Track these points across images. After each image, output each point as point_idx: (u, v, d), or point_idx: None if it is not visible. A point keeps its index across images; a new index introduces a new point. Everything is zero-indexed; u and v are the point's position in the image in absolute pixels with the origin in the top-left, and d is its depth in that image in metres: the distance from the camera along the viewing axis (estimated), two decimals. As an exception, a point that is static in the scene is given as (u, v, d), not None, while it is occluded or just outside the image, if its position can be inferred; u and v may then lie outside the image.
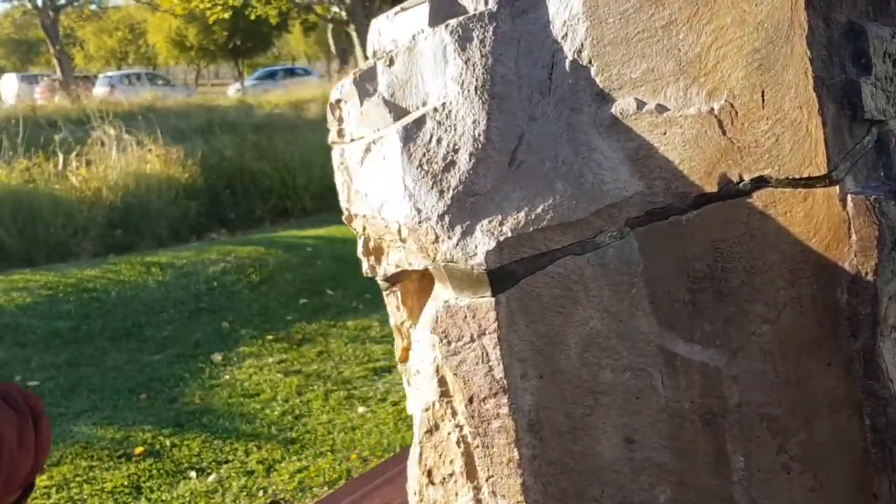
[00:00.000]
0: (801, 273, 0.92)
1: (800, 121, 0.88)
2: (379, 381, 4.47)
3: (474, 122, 1.04)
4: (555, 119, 1.03)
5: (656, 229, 1.00)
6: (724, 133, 0.93)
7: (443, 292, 1.09)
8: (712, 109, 0.93)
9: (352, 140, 1.22)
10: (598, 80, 1.01)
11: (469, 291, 1.03)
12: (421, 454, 1.17)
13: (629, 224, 1.00)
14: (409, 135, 1.08)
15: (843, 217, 0.88)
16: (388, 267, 1.25)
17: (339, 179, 1.24)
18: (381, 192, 1.12)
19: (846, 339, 0.90)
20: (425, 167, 1.06)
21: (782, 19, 0.88)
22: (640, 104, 0.98)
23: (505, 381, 1.03)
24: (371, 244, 1.25)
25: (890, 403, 0.89)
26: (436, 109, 1.08)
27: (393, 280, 1.26)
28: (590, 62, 1.01)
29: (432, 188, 1.05)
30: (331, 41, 24.80)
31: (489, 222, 1.00)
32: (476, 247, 1.00)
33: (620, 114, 1.00)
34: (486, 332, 1.02)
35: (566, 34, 1.03)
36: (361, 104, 1.19)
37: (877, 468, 0.92)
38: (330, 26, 21.86)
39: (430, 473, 1.16)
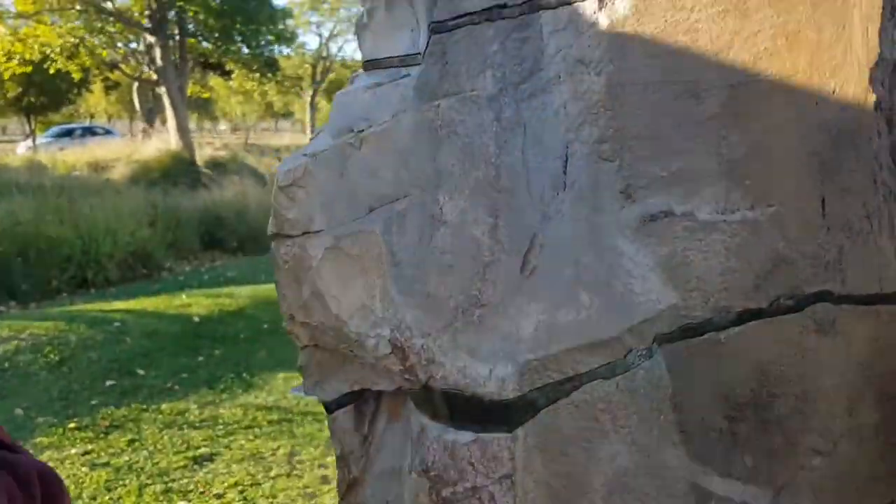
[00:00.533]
0: (863, 401, 0.83)
1: (867, 232, 0.80)
2: (200, 470, 4.01)
3: (476, 220, 0.87)
4: (573, 219, 0.88)
5: (690, 347, 0.87)
6: (775, 243, 0.83)
7: (431, 424, 0.89)
8: (762, 216, 0.83)
9: (306, 233, 1.00)
10: (622, 176, 0.88)
11: (475, 425, 0.84)
12: None
13: (657, 340, 0.86)
14: (393, 229, 0.89)
15: (912, 339, 0.80)
16: (339, 385, 1.03)
17: (284, 279, 1.01)
18: (352, 299, 0.92)
19: (912, 474, 0.82)
20: (416, 271, 0.87)
21: (848, 120, 0.80)
22: (674, 206, 0.86)
23: (520, 539, 0.84)
24: (316, 358, 1.03)
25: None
26: (424, 204, 0.89)
27: (345, 401, 1.04)
28: (612, 157, 0.88)
29: (427, 297, 0.86)
30: (136, 100, 23.53)
31: (503, 341, 0.83)
32: (490, 371, 0.82)
33: (651, 216, 0.87)
34: (497, 475, 0.84)
35: (583, 123, 0.89)
36: (324, 189, 0.98)
37: None
38: (136, 85, 20.77)
39: None
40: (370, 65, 1.10)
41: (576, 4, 0.88)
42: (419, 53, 0.97)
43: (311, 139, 1.04)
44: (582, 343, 0.82)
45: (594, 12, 0.87)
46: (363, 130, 0.96)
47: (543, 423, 0.84)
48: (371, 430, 1.06)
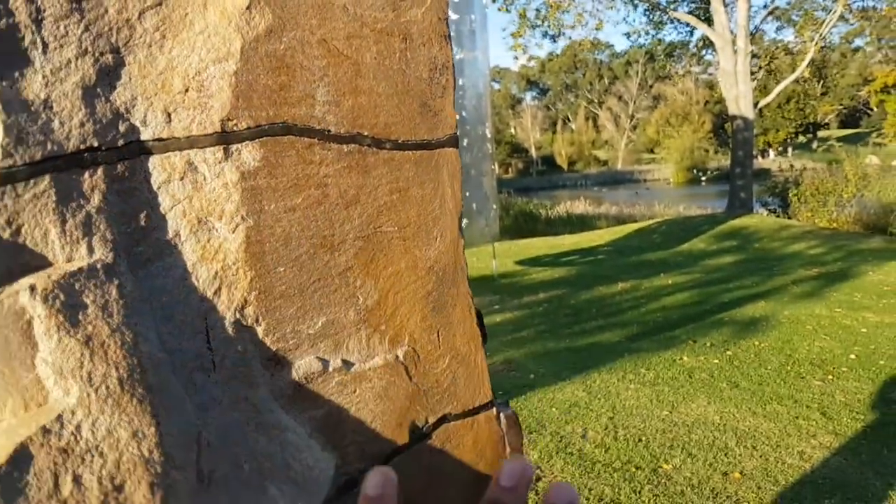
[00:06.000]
0: (472, 497, 0.95)
1: (469, 354, 0.92)
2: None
3: (135, 434, 0.66)
4: (231, 403, 0.75)
5: (346, 501, 0.85)
6: (410, 379, 0.88)
7: None
8: (397, 357, 0.87)
9: None
10: (268, 341, 0.79)
11: None
12: None
13: (324, 507, 0.82)
14: (12, 487, 0.59)
15: (500, 433, 0.97)
16: None
17: None
18: None
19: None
20: (74, 534, 0.60)
21: (448, 263, 0.91)
22: (325, 363, 0.82)
23: None
24: None
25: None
26: (46, 431, 0.62)
27: None
28: (257, 321, 0.78)
29: (108, 565, 0.61)
30: None
31: (221, 580, 0.66)
32: None
33: (304, 378, 0.81)
34: None
35: (220, 289, 0.76)
36: None
37: None
38: None
39: None
40: None
41: (189, 152, 0.75)
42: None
43: None
44: (293, 543, 0.72)
45: (218, 162, 0.76)
46: None
47: None
48: None
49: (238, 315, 0.77)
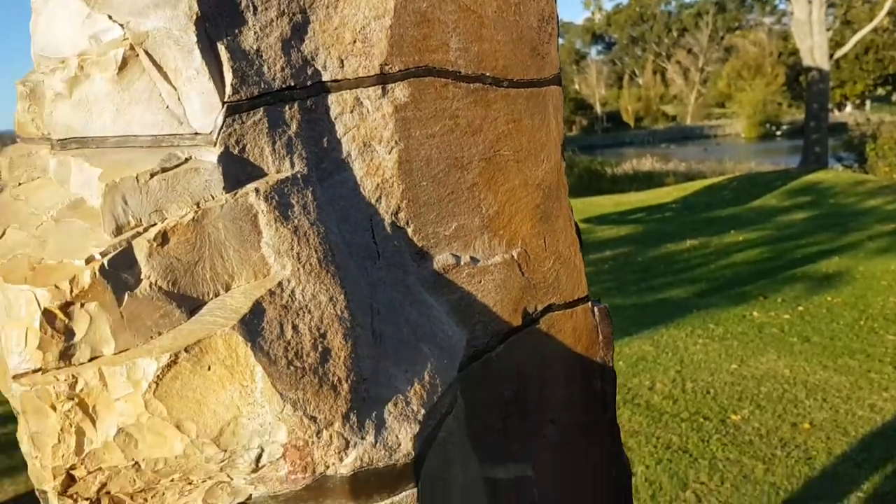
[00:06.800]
0: (572, 374, 1.17)
1: (569, 257, 1.13)
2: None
3: (331, 299, 0.89)
4: (392, 284, 0.98)
5: (474, 369, 1.07)
6: (522, 274, 1.10)
7: (324, 512, 0.88)
8: (513, 256, 1.08)
9: (94, 357, 0.80)
10: (416, 239, 1.01)
11: (384, 493, 0.88)
12: None
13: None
14: (254, 329, 0.83)
15: (594, 323, 1.18)
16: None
17: (52, 426, 0.79)
18: (211, 420, 0.81)
19: (604, 415, 1.20)
20: (298, 364, 0.84)
21: (553, 181, 1.11)
22: (457, 258, 1.04)
23: (423, 577, 0.92)
24: (104, 506, 0.85)
25: (623, 457, 1.24)
26: (272, 293, 0.86)
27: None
28: (407, 223, 1.01)
29: (321, 387, 0.84)
30: None
31: (395, 405, 0.89)
32: (397, 437, 0.88)
33: (442, 269, 1.03)
34: (406, 529, 0.90)
35: (380, 198, 0.99)
36: (121, 304, 0.80)
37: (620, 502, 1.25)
38: None
39: None
40: (75, 143, 0.91)
41: (356, 90, 0.97)
42: (189, 134, 0.89)
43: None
44: (443, 389, 0.95)
45: (378, 98, 0.97)
46: (156, 227, 0.83)
47: (425, 471, 0.93)
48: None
49: (393, 218, 1.00)
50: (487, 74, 1.04)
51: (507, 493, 1.12)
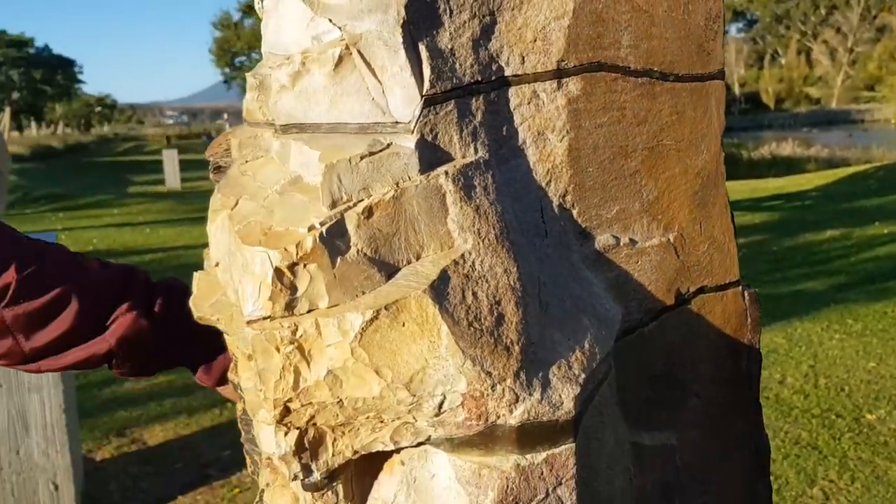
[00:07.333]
0: (720, 353, 1.24)
1: (723, 242, 1.20)
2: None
3: (505, 270, 1.00)
4: (557, 259, 1.08)
5: (626, 342, 1.17)
6: (678, 257, 1.18)
7: (495, 459, 1.00)
8: (669, 240, 1.17)
9: (311, 310, 0.96)
10: (580, 220, 1.11)
11: (546, 445, 1.00)
12: None
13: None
14: (441, 293, 0.96)
15: (743, 307, 1.24)
16: (333, 459, 1.02)
17: (276, 364, 0.95)
18: (404, 368, 0.95)
19: (747, 393, 1.27)
20: (477, 325, 0.96)
21: (711, 170, 1.18)
22: (617, 239, 1.14)
23: (577, 522, 1.03)
24: (309, 437, 1.00)
25: (763, 432, 1.30)
26: (456, 263, 0.98)
27: (334, 474, 1.04)
28: (573, 206, 1.11)
29: (496, 347, 0.96)
30: None
31: (559, 368, 1.00)
32: (560, 396, 0.98)
33: (603, 248, 1.13)
34: (564, 479, 1.01)
35: (550, 181, 1.09)
36: (334, 266, 0.95)
37: (758, 475, 1.32)
38: None
39: None
40: (295, 129, 1.07)
41: (534, 84, 1.07)
42: (391, 123, 1.02)
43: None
44: (601, 357, 1.05)
45: (553, 91, 1.08)
46: (366, 202, 0.98)
47: (582, 429, 1.04)
48: (356, 491, 1.08)
49: (561, 200, 1.10)
50: (655, 69, 1.12)
51: (651, 458, 1.21)
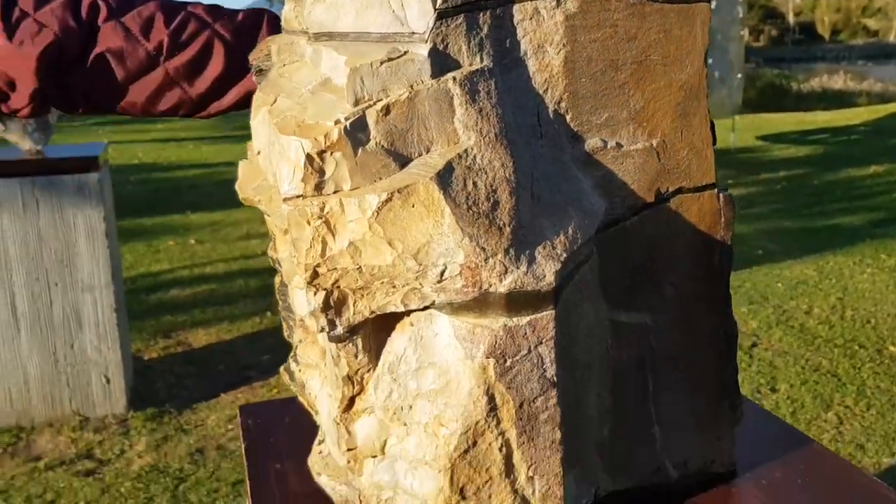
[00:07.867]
0: (694, 249, 1.41)
1: (702, 149, 1.36)
2: None
3: (502, 164, 1.18)
4: (550, 159, 1.25)
5: (609, 234, 1.34)
6: (659, 160, 1.34)
7: (487, 320, 1.20)
8: (652, 145, 1.33)
9: (337, 191, 1.15)
10: (572, 125, 1.28)
11: (529, 310, 1.19)
12: (452, 477, 1.24)
13: (598, 233, 1.32)
14: (446, 181, 1.14)
15: (718, 207, 1.40)
16: (353, 317, 1.23)
17: (307, 235, 1.15)
18: (412, 242, 1.14)
19: (719, 286, 1.44)
20: (475, 209, 1.15)
21: (694, 84, 1.33)
22: (605, 143, 1.30)
23: (555, 378, 1.23)
24: (334, 297, 1.21)
25: (732, 319, 1.48)
26: (460, 156, 1.16)
27: (355, 329, 1.25)
28: (566, 112, 1.27)
29: (490, 227, 1.15)
30: None
31: (544, 248, 1.18)
32: (543, 270, 1.17)
33: (591, 150, 1.29)
34: (544, 340, 1.20)
35: (547, 89, 1.25)
36: (356, 155, 1.14)
37: (726, 360, 1.50)
38: None
39: (462, 490, 1.24)
40: (325, 37, 1.24)
41: (536, 1, 1.22)
42: (408, 33, 1.18)
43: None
44: (583, 241, 1.23)
45: (553, 8, 1.23)
46: (385, 101, 1.15)
47: (563, 300, 1.23)
48: (372, 346, 1.29)
49: (556, 106, 1.26)
50: (645, -8, 1.26)
51: (628, 335, 1.40)
